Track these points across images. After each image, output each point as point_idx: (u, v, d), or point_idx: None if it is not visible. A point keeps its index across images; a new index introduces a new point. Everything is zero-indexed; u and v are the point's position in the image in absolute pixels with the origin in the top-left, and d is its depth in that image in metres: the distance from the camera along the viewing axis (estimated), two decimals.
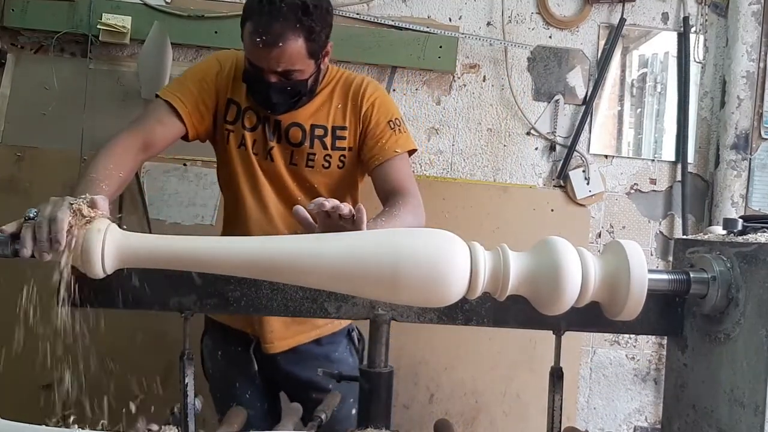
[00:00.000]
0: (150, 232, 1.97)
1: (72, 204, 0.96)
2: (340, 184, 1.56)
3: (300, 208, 1.07)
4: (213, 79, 1.49)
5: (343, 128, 1.53)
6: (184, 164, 2.16)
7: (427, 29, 2.21)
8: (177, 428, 1.11)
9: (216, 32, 2.12)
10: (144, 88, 2.09)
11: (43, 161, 2.10)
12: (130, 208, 2.13)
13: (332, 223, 1.09)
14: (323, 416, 1.24)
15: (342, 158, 1.54)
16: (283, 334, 1.56)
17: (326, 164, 1.53)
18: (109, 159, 1.29)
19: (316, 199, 1.07)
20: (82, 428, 1.02)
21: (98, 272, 0.97)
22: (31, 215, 0.95)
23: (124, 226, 1.02)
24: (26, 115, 2.10)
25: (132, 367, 2.12)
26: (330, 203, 1.06)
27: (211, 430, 1.21)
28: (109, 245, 0.96)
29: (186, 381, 1.09)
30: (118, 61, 2.14)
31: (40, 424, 1.04)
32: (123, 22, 2.03)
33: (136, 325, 2.06)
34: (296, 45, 1.36)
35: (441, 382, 2.26)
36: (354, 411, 1.48)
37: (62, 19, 2.05)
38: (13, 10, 2.05)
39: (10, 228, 0.97)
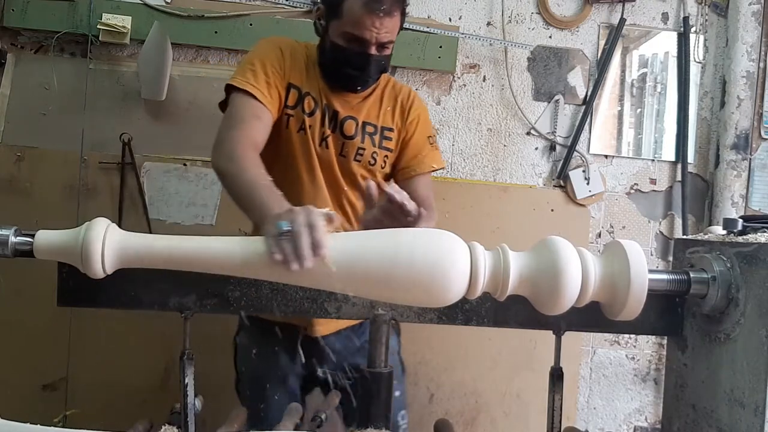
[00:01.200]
0: (150, 232, 1.98)
1: (322, 213, 0.98)
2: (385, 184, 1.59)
3: (373, 184, 1.09)
4: (280, 63, 1.51)
5: (390, 130, 1.60)
6: (184, 164, 2.16)
7: (427, 29, 2.21)
8: (177, 428, 1.11)
9: (216, 32, 2.12)
10: (144, 88, 2.09)
11: (43, 161, 2.10)
12: (130, 208, 2.13)
13: (390, 211, 1.15)
14: (323, 416, 1.24)
15: (386, 158, 1.60)
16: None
17: (372, 161, 1.58)
18: (258, 163, 1.32)
19: (394, 185, 1.12)
20: (82, 428, 1.02)
21: (98, 272, 0.97)
22: (285, 228, 0.95)
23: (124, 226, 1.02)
24: (26, 115, 2.10)
25: (132, 367, 2.13)
26: (402, 195, 1.12)
27: (211, 430, 1.21)
28: (109, 245, 0.96)
29: (186, 381, 1.09)
30: (118, 61, 2.13)
31: (40, 424, 1.04)
32: (123, 22, 2.03)
33: (137, 325, 2.06)
34: (397, 17, 1.47)
35: (441, 382, 2.26)
36: (398, 393, 1.53)
37: (62, 19, 2.05)
38: (13, 10, 2.04)
39: (277, 255, 0.95)
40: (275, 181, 1.49)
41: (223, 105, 1.52)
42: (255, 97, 1.44)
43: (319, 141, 1.54)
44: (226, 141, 1.38)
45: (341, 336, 1.59)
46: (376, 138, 1.59)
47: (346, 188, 1.57)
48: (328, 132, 1.55)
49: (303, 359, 1.59)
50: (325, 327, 1.57)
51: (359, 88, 1.54)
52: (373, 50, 1.46)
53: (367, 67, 1.49)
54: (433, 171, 1.64)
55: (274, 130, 1.51)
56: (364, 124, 1.57)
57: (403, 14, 1.50)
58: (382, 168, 1.60)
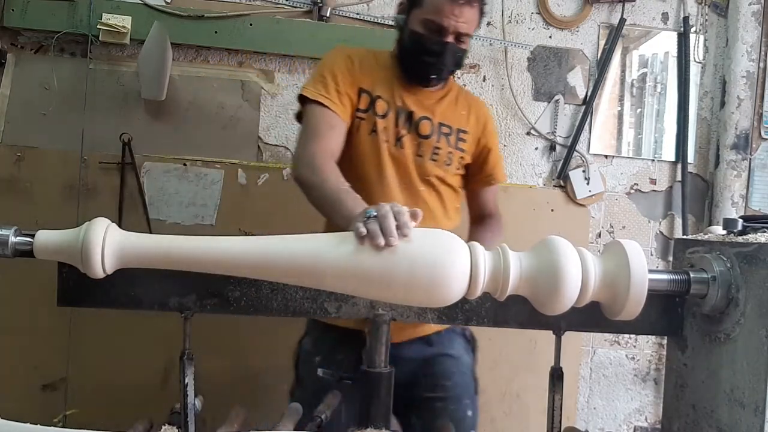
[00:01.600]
0: (150, 232, 1.98)
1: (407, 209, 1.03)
2: (453, 186, 1.64)
3: (420, 213, 1.09)
4: (349, 70, 1.54)
5: (465, 132, 1.63)
6: (184, 164, 2.16)
7: None
8: (177, 428, 1.11)
9: (216, 32, 2.12)
10: (144, 88, 2.09)
11: (43, 161, 2.10)
12: (130, 208, 2.13)
13: None
14: (323, 416, 1.24)
15: (461, 160, 1.62)
16: (403, 325, 1.52)
17: (448, 161, 1.60)
18: (337, 172, 1.39)
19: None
20: (82, 428, 1.02)
21: (98, 272, 0.97)
22: (372, 214, 1.02)
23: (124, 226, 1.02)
24: (26, 115, 2.10)
25: (132, 367, 2.13)
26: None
27: (211, 430, 1.21)
28: (109, 245, 0.96)
29: (186, 381, 1.09)
30: (118, 61, 2.13)
31: (40, 424, 1.04)
32: (123, 22, 2.03)
33: (137, 325, 2.06)
34: (477, 11, 1.51)
35: None
36: (470, 412, 1.59)
37: (62, 19, 2.05)
38: (13, 10, 2.04)
39: (363, 230, 1.00)
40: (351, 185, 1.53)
41: (299, 116, 1.57)
42: (327, 107, 1.48)
43: (393, 141, 1.56)
44: (306, 154, 1.44)
45: (414, 345, 1.59)
46: (452, 139, 1.61)
47: (421, 188, 1.58)
48: (404, 132, 1.56)
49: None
50: (397, 335, 1.56)
51: (434, 77, 1.56)
52: (451, 38, 1.49)
53: (443, 55, 1.51)
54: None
55: (348, 135, 1.54)
56: (440, 124, 1.59)
57: (482, 12, 1.54)
58: (457, 169, 1.63)
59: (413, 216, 1.02)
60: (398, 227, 0.98)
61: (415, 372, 1.57)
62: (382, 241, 0.97)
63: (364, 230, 0.99)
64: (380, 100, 1.55)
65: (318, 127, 1.48)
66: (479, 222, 1.73)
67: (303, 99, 1.53)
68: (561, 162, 2.32)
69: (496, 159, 1.70)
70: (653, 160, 2.38)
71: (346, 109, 1.52)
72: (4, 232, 1.00)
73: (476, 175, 1.68)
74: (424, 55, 1.52)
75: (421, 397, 1.56)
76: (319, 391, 1.51)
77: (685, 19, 2.33)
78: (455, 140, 1.61)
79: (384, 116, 1.55)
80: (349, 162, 1.54)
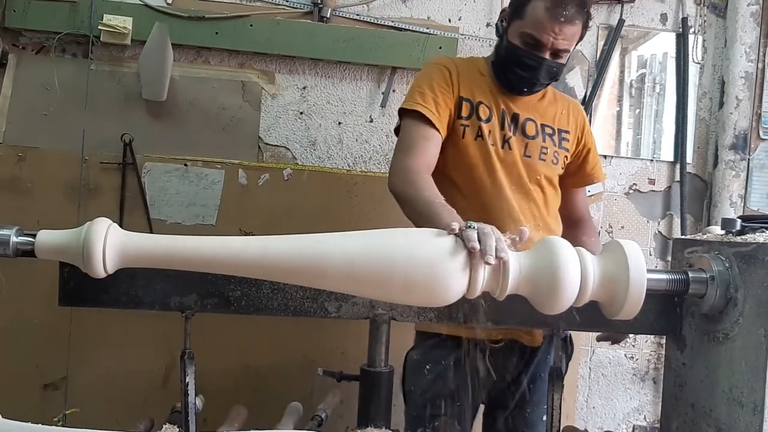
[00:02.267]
0: (151, 232, 1.98)
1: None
2: (556, 187, 1.67)
3: (527, 231, 1.10)
4: (448, 82, 1.56)
5: (567, 132, 1.66)
6: (185, 164, 2.16)
7: (427, 30, 2.22)
8: (178, 427, 1.11)
9: (217, 33, 2.12)
10: (145, 89, 2.10)
11: (44, 162, 2.10)
12: (131, 208, 2.13)
13: None
14: (323, 415, 1.24)
15: (565, 159, 1.66)
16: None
17: (555, 160, 1.63)
18: (432, 184, 1.41)
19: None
20: (83, 427, 1.03)
21: (99, 272, 0.97)
22: (473, 226, 1.02)
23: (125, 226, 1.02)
24: (27, 115, 2.10)
25: (133, 366, 2.13)
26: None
27: (212, 429, 1.21)
28: (110, 245, 0.96)
29: (187, 380, 1.10)
30: (119, 61, 2.14)
31: (40, 424, 1.04)
32: (124, 22, 2.03)
33: (138, 324, 2.07)
34: (578, 27, 1.50)
35: None
36: (545, 417, 1.54)
37: (63, 20, 2.05)
38: (14, 10, 2.04)
39: (455, 225, 1.03)
40: (457, 188, 1.58)
41: (397, 130, 1.60)
42: (424, 117, 1.50)
43: (501, 144, 1.58)
44: (401, 166, 1.46)
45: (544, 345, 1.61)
46: (556, 138, 1.64)
47: (531, 187, 1.60)
48: (510, 134, 1.58)
49: (480, 374, 1.57)
50: (532, 340, 1.60)
51: (525, 90, 1.58)
52: (547, 55, 1.50)
53: (537, 70, 1.52)
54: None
55: (451, 141, 1.56)
56: (543, 125, 1.62)
57: (585, 27, 1.53)
58: (561, 168, 1.65)
59: (521, 235, 1.04)
60: (497, 248, 1.00)
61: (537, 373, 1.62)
62: (476, 246, 0.98)
63: (476, 243, 0.99)
64: (482, 105, 1.57)
65: (413, 140, 1.51)
66: (574, 226, 1.74)
67: (401, 112, 1.56)
68: None
69: (595, 158, 1.74)
70: (652, 160, 2.38)
71: (444, 120, 1.53)
72: (5, 232, 1.00)
73: (575, 174, 1.72)
74: (519, 68, 1.53)
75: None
76: (430, 400, 1.56)
77: (684, 19, 2.33)
78: (558, 140, 1.64)
79: (488, 120, 1.57)
80: (458, 169, 1.57)
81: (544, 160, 1.61)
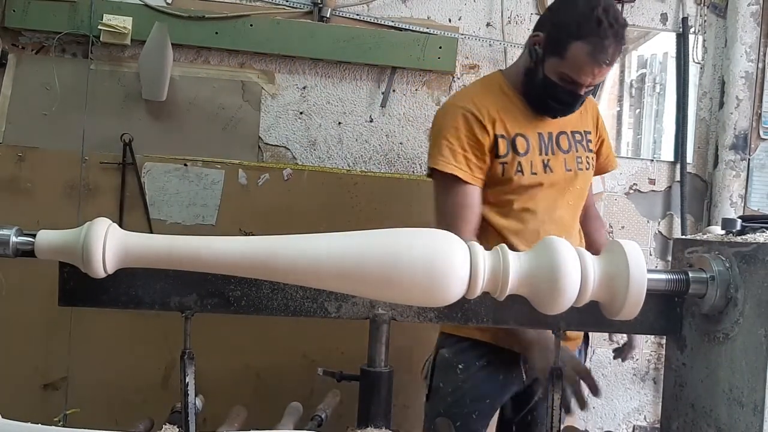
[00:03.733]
0: (151, 232, 1.98)
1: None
2: (588, 186, 1.70)
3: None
4: (472, 130, 1.53)
5: (589, 132, 1.69)
6: (185, 164, 2.16)
7: (427, 30, 2.22)
8: (178, 428, 1.11)
9: (216, 33, 2.13)
10: (145, 89, 2.10)
11: (44, 162, 2.10)
12: (131, 208, 2.13)
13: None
14: (323, 415, 1.24)
15: (593, 159, 1.69)
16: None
17: (588, 165, 1.66)
18: None
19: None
20: (83, 427, 1.03)
21: (99, 272, 0.97)
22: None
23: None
24: (27, 115, 2.10)
25: (133, 367, 2.13)
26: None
27: (212, 429, 1.21)
28: (110, 245, 0.96)
29: (187, 380, 1.10)
30: (119, 61, 2.14)
31: (40, 424, 1.04)
32: (124, 22, 2.03)
33: (138, 324, 2.07)
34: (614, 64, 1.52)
35: None
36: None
37: (63, 20, 2.05)
38: (14, 10, 2.05)
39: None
40: (508, 221, 1.57)
41: (430, 174, 1.60)
42: (460, 178, 1.51)
43: (542, 169, 1.58)
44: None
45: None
46: (584, 143, 1.66)
47: (572, 200, 1.63)
48: (549, 156, 1.59)
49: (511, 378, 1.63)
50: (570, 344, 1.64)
51: (557, 116, 1.59)
52: (583, 91, 1.52)
53: (573, 105, 1.55)
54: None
55: (493, 180, 1.56)
56: (573, 133, 1.64)
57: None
58: (589, 170, 1.68)
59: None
60: (579, 403, 1.07)
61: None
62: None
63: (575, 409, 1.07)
64: (519, 137, 1.56)
65: (454, 209, 1.52)
66: (583, 214, 1.75)
67: (432, 169, 1.55)
68: None
69: (609, 147, 1.76)
70: (652, 160, 2.38)
71: (478, 173, 1.53)
72: (5, 232, 1.00)
73: (598, 162, 1.74)
74: (555, 101, 1.54)
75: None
76: (460, 398, 1.59)
77: (684, 19, 2.33)
78: (586, 143, 1.66)
79: (526, 152, 1.56)
80: (508, 203, 1.57)
81: (581, 169, 1.63)
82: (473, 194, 1.53)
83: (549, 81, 1.51)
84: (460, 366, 1.60)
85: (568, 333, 1.51)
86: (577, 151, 1.62)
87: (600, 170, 1.77)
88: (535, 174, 1.57)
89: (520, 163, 1.56)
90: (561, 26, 1.48)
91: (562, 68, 1.48)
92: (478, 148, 1.53)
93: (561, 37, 1.48)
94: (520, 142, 1.56)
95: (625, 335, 2.36)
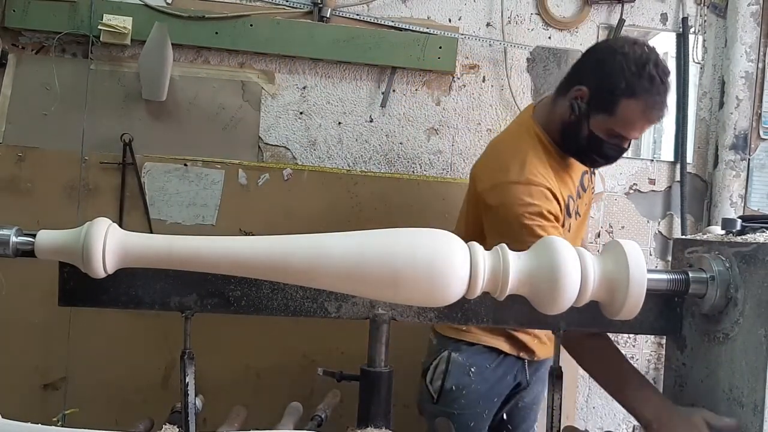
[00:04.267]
0: (151, 232, 1.98)
1: None
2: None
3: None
4: (552, 207, 1.47)
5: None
6: (185, 164, 2.16)
7: (427, 30, 2.22)
8: (178, 428, 1.11)
9: (216, 33, 2.12)
10: (145, 89, 2.10)
11: (44, 161, 2.10)
12: (131, 208, 2.13)
13: None
14: (323, 415, 1.24)
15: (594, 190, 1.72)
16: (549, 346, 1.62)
17: (586, 207, 1.68)
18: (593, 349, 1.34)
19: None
20: (82, 427, 1.03)
21: (99, 272, 0.97)
22: None
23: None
24: (27, 115, 2.10)
25: (133, 367, 2.13)
26: None
27: (211, 429, 1.21)
28: (110, 245, 0.96)
29: (187, 380, 1.10)
30: (119, 61, 2.14)
31: (40, 424, 1.04)
32: (124, 22, 2.03)
33: (138, 324, 2.07)
34: None
35: None
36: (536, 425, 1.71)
37: (63, 20, 2.05)
38: (14, 10, 2.05)
39: None
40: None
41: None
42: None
43: (575, 216, 1.59)
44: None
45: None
46: (588, 174, 1.66)
47: (580, 235, 1.66)
48: (577, 201, 1.60)
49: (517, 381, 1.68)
50: (544, 352, 1.66)
51: (598, 168, 1.61)
52: (628, 144, 1.49)
53: (617, 158, 1.53)
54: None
55: None
56: (582, 173, 1.64)
57: None
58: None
59: None
60: None
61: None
62: None
63: None
64: (570, 199, 1.56)
65: None
66: None
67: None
68: None
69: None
70: (652, 160, 2.38)
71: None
72: (5, 232, 1.00)
73: None
74: (598, 156, 1.51)
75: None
76: (470, 401, 1.63)
77: (684, 19, 2.33)
78: (590, 173, 1.67)
79: (569, 212, 1.56)
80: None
81: (584, 212, 1.67)
82: None
83: (594, 136, 1.46)
84: (473, 369, 1.62)
85: None
86: (591, 183, 1.63)
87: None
88: (570, 227, 1.58)
89: (571, 224, 1.58)
90: (610, 82, 1.41)
91: (611, 125, 1.44)
92: (556, 218, 1.49)
93: (610, 94, 1.41)
94: (572, 204, 1.58)
95: (625, 335, 2.37)
